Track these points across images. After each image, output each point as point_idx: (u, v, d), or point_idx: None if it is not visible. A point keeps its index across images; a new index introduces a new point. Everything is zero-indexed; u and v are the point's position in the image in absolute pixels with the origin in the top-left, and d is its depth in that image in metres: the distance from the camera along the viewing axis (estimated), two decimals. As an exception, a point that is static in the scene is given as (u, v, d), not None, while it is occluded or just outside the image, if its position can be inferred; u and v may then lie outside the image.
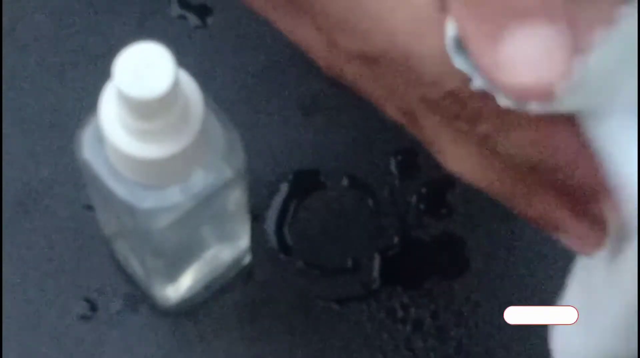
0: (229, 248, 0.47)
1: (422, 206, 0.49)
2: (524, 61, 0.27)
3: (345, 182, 0.49)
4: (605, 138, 0.29)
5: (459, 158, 0.32)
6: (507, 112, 0.29)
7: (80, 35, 0.51)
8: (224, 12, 0.52)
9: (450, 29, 0.28)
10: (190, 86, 0.36)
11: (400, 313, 0.48)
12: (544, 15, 0.27)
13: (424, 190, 0.49)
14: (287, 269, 0.48)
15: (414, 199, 0.49)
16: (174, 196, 0.39)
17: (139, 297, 0.47)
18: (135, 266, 0.46)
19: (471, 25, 0.27)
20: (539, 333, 0.47)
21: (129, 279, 0.47)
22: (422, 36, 0.29)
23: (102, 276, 0.47)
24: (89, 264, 0.48)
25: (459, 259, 0.48)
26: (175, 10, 0.52)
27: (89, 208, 0.48)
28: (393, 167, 0.50)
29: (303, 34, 0.33)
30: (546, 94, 0.27)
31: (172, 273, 0.46)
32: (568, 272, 0.49)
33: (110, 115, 0.36)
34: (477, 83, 0.28)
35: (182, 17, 0.51)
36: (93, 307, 0.47)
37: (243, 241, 0.47)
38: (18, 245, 0.48)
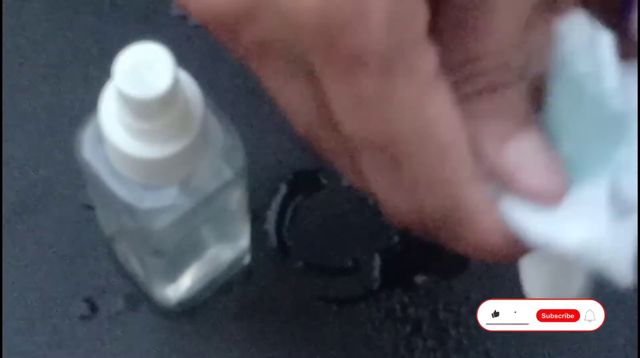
0: (229, 248, 0.47)
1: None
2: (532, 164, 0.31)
3: (345, 182, 0.49)
4: None
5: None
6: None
7: (81, 36, 0.51)
8: (224, 12, 0.52)
9: None
10: (190, 86, 0.36)
11: (400, 313, 0.48)
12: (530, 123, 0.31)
13: (424, 190, 0.49)
14: (287, 269, 0.48)
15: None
16: (174, 196, 0.39)
17: (139, 297, 0.47)
18: (135, 266, 0.46)
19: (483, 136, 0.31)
20: (538, 334, 0.47)
21: (129, 279, 0.47)
22: None
23: (102, 276, 0.48)
24: (89, 264, 0.48)
25: (459, 259, 0.48)
26: (175, 10, 0.52)
27: (89, 208, 0.48)
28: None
29: (293, 95, 0.32)
30: (557, 196, 0.31)
31: (172, 273, 0.46)
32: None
33: (110, 115, 0.36)
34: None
35: (182, 17, 0.51)
36: (93, 307, 0.47)
37: (243, 241, 0.47)
38: (18, 245, 0.48)
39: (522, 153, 0.31)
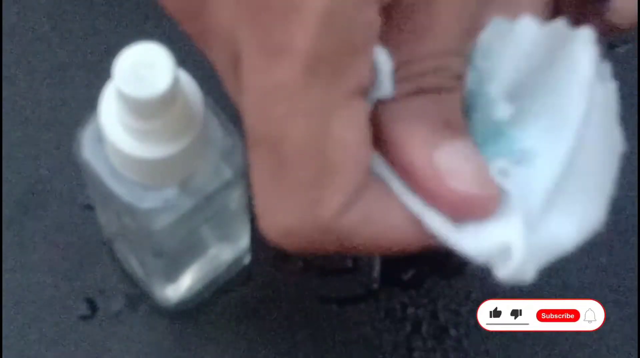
0: (229, 248, 0.47)
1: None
2: (459, 171, 0.29)
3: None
4: None
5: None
6: None
7: (81, 36, 0.51)
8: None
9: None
10: (190, 86, 0.36)
11: (399, 313, 0.48)
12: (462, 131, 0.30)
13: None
14: (287, 269, 0.48)
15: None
16: (174, 196, 0.39)
17: (139, 297, 0.47)
18: (135, 266, 0.46)
19: (407, 135, 0.29)
20: (538, 334, 0.47)
21: (129, 279, 0.47)
22: None
23: (102, 276, 0.47)
24: (89, 264, 0.48)
25: (459, 258, 0.48)
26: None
27: (89, 208, 0.48)
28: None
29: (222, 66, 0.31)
30: (488, 206, 0.30)
31: (172, 273, 0.46)
32: (568, 270, 0.49)
33: (110, 115, 0.36)
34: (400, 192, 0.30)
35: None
36: (93, 307, 0.47)
37: (243, 241, 0.47)
38: (18, 244, 0.48)
39: (453, 159, 0.29)
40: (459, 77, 0.30)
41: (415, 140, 0.29)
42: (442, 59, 0.29)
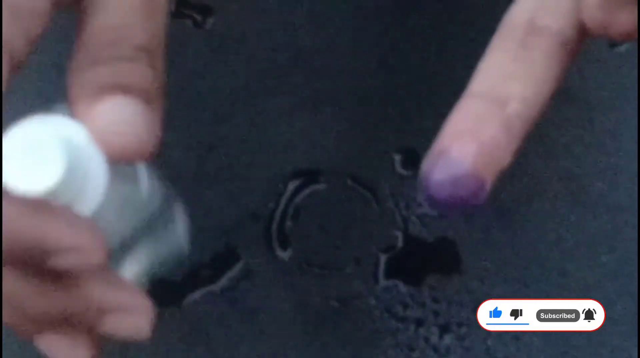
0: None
1: (423, 205, 0.49)
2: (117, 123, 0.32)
3: (346, 182, 0.49)
4: None
5: None
6: None
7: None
8: (224, 12, 0.52)
9: None
10: (90, 153, 0.33)
11: (401, 313, 0.48)
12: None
13: (424, 190, 0.49)
14: (287, 269, 0.48)
15: (415, 198, 0.49)
16: None
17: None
18: None
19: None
20: (538, 334, 0.47)
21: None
22: None
23: (102, 276, 0.47)
24: (89, 264, 0.48)
25: (461, 258, 0.48)
26: (175, 10, 0.52)
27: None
28: (394, 166, 0.50)
29: None
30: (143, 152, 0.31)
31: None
32: (568, 270, 0.49)
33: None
34: None
35: (182, 17, 0.51)
36: (93, 307, 0.47)
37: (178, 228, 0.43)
38: (18, 244, 0.48)
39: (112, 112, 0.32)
40: (149, 48, 0.32)
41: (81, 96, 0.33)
42: (119, 31, 0.32)
